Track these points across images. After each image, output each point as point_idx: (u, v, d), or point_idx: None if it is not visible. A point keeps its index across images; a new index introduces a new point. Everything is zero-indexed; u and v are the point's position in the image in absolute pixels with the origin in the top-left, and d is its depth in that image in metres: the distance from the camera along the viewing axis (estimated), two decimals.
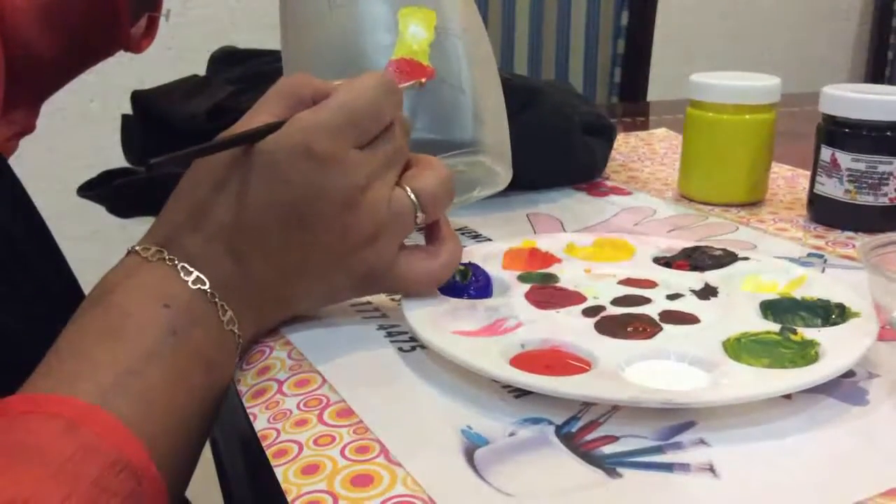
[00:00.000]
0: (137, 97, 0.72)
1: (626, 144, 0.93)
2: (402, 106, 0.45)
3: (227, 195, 0.41)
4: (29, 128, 0.54)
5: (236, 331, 0.42)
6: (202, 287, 0.41)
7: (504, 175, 0.59)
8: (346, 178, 0.41)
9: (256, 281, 0.42)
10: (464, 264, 0.49)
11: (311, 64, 0.55)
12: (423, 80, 0.52)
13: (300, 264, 0.42)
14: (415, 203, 0.44)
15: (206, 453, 0.46)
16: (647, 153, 0.89)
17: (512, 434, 0.36)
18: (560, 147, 0.72)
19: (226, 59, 0.78)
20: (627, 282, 0.50)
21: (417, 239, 0.47)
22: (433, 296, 0.46)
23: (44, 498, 0.31)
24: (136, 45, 0.58)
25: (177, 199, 0.43)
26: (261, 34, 1.57)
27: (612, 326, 0.44)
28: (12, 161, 0.58)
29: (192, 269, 0.41)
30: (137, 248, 0.42)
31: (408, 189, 0.44)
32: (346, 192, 0.41)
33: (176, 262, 0.41)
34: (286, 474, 0.34)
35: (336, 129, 0.41)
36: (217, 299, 0.41)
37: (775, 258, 0.53)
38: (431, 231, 0.47)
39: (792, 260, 0.56)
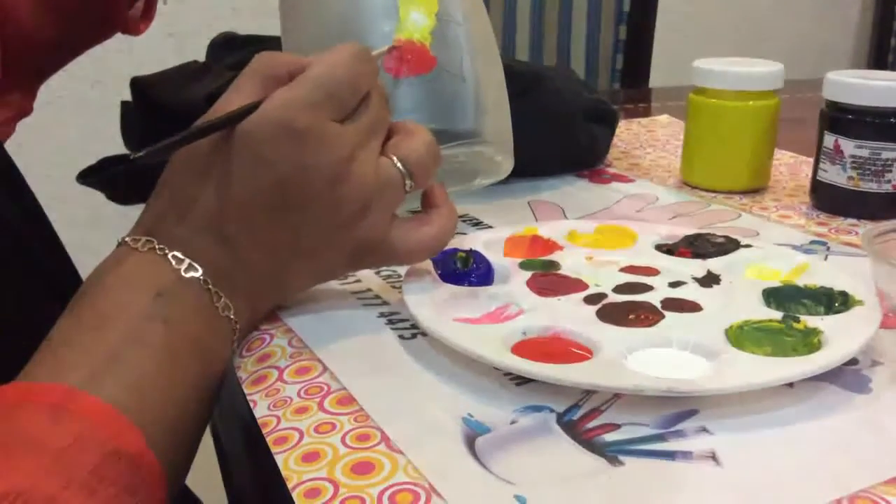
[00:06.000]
0: (137, 83, 0.72)
1: (628, 131, 0.92)
2: (378, 74, 0.44)
3: (211, 181, 0.41)
4: (25, 111, 0.54)
5: (231, 316, 0.42)
6: (195, 275, 0.40)
7: (505, 164, 0.59)
8: (329, 153, 0.40)
9: (249, 264, 0.42)
10: (465, 251, 0.49)
11: (310, 51, 0.54)
12: (397, 44, 0.51)
13: (292, 244, 0.42)
14: (402, 171, 0.43)
15: (207, 440, 0.46)
16: (649, 140, 0.89)
17: (513, 422, 0.36)
18: (562, 134, 0.72)
19: (226, 45, 0.78)
20: (629, 269, 0.50)
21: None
22: (434, 282, 0.46)
23: (41, 488, 0.31)
24: (133, 28, 0.58)
25: (162, 188, 0.42)
26: (262, 20, 1.55)
27: (614, 314, 0.44)
28: (12, 148, 0.57)
29: (183, 258, 0.40)
30: (127, 239, 0.41)
31: (394, 158, 0.43)
32: (331, 166, 0.41)
33: (166, 251, 0.40)
34: (287, 462, 0.34)
35: (314, 103, 0.40)
36: (210, 286, 0.41)
37: (778, 245, 0.53)
38: (426, 200, 0.46)
39: (795, 247, 0.56)
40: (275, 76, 0.42)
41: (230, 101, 0.41)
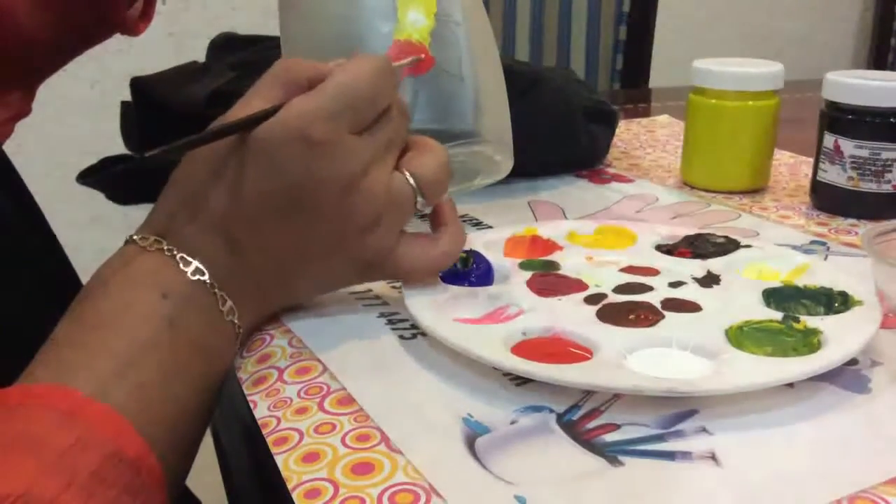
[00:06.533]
0: (137, 84, 0.72)
1: (627, 131, 0.92)
2: (399, 88, 0.44)
3: (224, 184, 0.41)
4: (24, 111, 0.53)
5: (236, 321, 0.42)
6: (201, 277, 0.40)
7: (505, 164, 0.59)
8: (343, 165, 0.40)
9: (256, 270, 0.42)
10: (465, 252, 0.49)
11: (310, 50, 0.55)
12: (422, 55, 0.51)
13: (300, 252, 0.42)
14: (414, 188, 0.43)
15: (208, 441, 0.46)
16: (648, 140, 0.89)
17: (513, 422, 0.36)
18: (562, 134, 0.72)
19: (226, 45, 0.78)
20: (629, 269, 0.50)
21: (424, 227, 0.47)
22: (434, 283, 0.46)
23: (42, 489, 0.31)
24: (132, 28, 0.58)
25: (173, 188, 0.42)
26: (262, 20, 1.56)
27: (613, 314, 0.44)
28: (11, 148, 0.57)
29: (190, 260, 0.40)
30: (135, 237, 0.41)
31: (407, 173, 0.43)
32: (343, 178, 0.40)
33: (174, 252, 0.40)
34: (287, 462, 0.34)
35: (333, 114, 0.40)
36: (216, 289, 0.41)
37: (778, 246, 0.53)
38: (435, 217, 0.46)
39: (794, 247, 0.56)
40: (295, 82, 0.42)
41: (249, 104, 0.41)
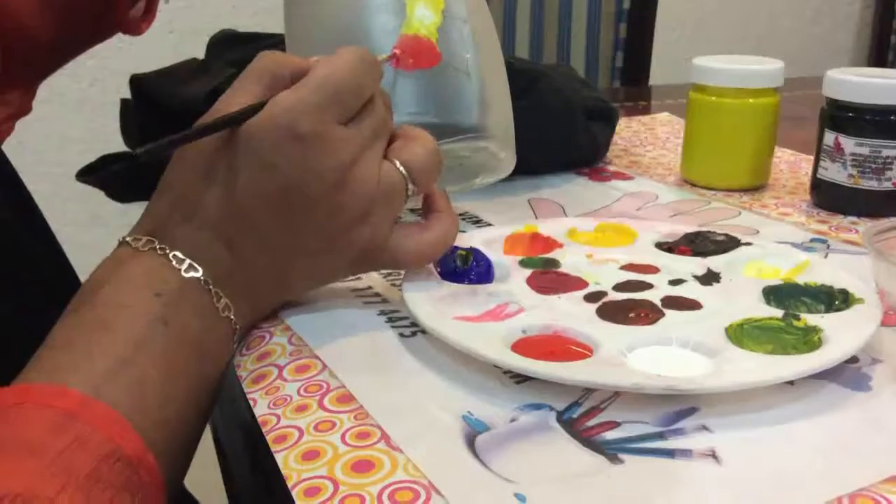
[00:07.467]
0: (136, 81, 0.72)
1: (628, 129, 0.92)
2: (382, 78, 0.44)
3: (216, 184, 0.40)
4: (24, 110, 0.53)
5: (232, 317, 0.42)
6: (195, 275, 0.40)
7: (508, 161, 0.59)
8: (333, 157, 0.40)
9: (250, 266, 0.42)
10: (465, 249, 0.49)
11: (315, 45, 0.54)
12: (397, 52, 0.51)
13: (294, 247, 0.42)
14: (405, 175, 0.43)
15: (207, 439, 0.46)
16: (649, 138, 0.89)
17: (513, 420, 0.36)
18: (562, 131, 0.72)
19: (225, 43, 0.78)
20: (629, 267, 0.50)
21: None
22: (434, 281, 0.46)
23: (38, 491, 0.31)
24: (134, 28, 0.58)
25: (164, 188, 0.42)
26: (261, 18, 1.56)
27: (613, 312, 0.44)
28: (11, 146, 0.57)
29: (183, 258, 0.40)
30: (128, 238, 0.41)
31: (396, 162, 0.43)
32: (334, 170, 0.40)
33: (167, 251, 0.40)
34: (286, 460, 0.34)
35: (318, 106, 0.40)
36: (211, 287, 0.41)
37: (778, 243, 0.53)
38: (427, 205, 0.46)
39: (795, 245, 0.56)
40: (277, 76, 0.42)
41: (232, 100, 0.41)
